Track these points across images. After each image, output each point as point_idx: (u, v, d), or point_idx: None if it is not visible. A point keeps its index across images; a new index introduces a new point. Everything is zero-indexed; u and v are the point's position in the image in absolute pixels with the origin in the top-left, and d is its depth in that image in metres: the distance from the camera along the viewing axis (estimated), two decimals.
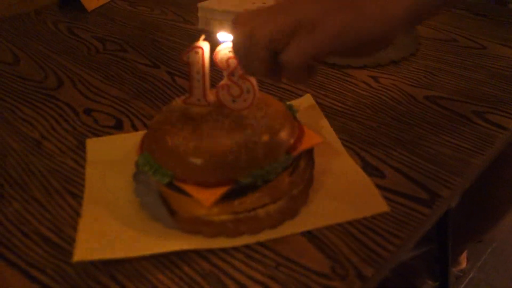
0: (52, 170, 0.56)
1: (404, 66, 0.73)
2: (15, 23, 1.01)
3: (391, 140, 0.56)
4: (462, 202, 1.26)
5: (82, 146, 0.60)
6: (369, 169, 0.52)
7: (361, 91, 0.67)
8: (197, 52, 0.46)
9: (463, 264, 1.34)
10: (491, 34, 0.81)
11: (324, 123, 0.60)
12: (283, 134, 0.46)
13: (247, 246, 0.44)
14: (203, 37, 0.46)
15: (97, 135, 0.62)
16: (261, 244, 0.44)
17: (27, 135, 0.63)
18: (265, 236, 0.45)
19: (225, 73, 0.47)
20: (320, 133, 0.57)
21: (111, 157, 0.56)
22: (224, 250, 0.43)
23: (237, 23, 0.42)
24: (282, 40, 0.39)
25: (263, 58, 0.40)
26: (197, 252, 0.43)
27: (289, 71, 0.40)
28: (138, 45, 0.87)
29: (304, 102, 0.64)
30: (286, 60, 0.39)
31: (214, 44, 0.45)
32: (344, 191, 0.49)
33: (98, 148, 0.59)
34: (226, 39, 0.45)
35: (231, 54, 0.45)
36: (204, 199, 0.43)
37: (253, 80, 0.47)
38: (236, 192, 0.45)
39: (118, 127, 0.63)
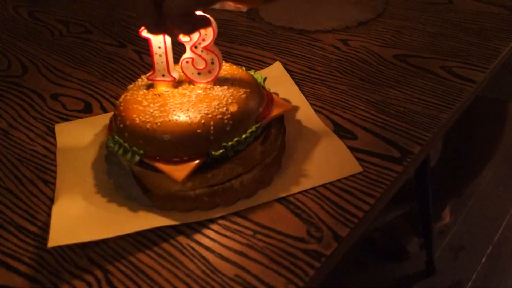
0: (23, 159, 0.55)
1: (372, 26, 0.72)
2: None
3: (362, 102, 0.56)
4: (440, 160, 1.29)
5: (51, 133, 0.58)
6: (341, 132, 0.52)
7: (330, 55, 0.66)
8: None
9: (446, 219, 1.37)
10: None
11: (294, 89, 0.59)
12: (251, 103, 0.46)
13: (223, 218, 0.44)
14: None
15: (66, 120, 0.61)
16: (237, 214, 0.44)
17: None
18: (240, 206, 0.45)
19: (187, 46, 0.46)
20: (291, 100, 0.57)
21: (81, 141, 0.55)
22: (200, 223, 0.44)
23: None
24: None
25: (146, 9, 0.40)
26: (174, 228, 0.43)
27: (171, 20, 0.39)
28: (103, 25, 0.85)
29: (274, 70, 0.64)
30: (166, 7, 0.39)
31: None
32: (317, 155, 0.49)
33: (67, 133, 0.58)
34: None
35: None
36: (176, 174, 0.43)
37: (217, 51, 0.46)
38: (209, 165, 0.44)
39: (87, 110, 0.62)
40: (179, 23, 0.40)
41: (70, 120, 0.61)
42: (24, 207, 0.48)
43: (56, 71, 0.72)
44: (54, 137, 0.57)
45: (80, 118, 0.61)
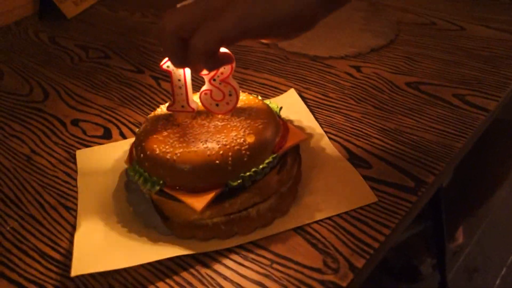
0: (45, 185, 0.56)
1: (385, 53, 0.74)
2: None
3: (376, 130, 0.57)
4: (455, 179, 1.28)
5: (72, 158, 0.60)
6: (356, 160, 0.53)
7: (344, 82, 0.68)
8: None
9: (460, 240, 1.37)
10: (469, 15, 0.82)
11: (309, 117, 0.60)
12: (268, 134, 0.47)
13: (241, 247, 0.45)
14: None
15: (86, 146, 0.62)
16: (254, 243, 0.45)
17: (17, 151, 0.63)
18: (257, 235, 0.46)
19: (206, 79, 0.48)
20: (306, 129, 0.58)
21: (101, 167, 0.57)
22: (219, 252, 0.45)
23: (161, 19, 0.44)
24: (188, 27, 0.40)
25: (172, 44, 0.41)
26: (192, 256, 0.45)
27: (196, 57, 0.40)
28: (121, 51, 0.88)
29: (288, 98, 0.65)
30: (192, 45, 0.40)
31: None
32: (332, 184, 0.50)
33: (88, 159, 0.59)
34: None
35: None
36: (195, 204, 0.44)
37: (235, 83, 0.48)
38: (226, 194, 0.46)
39: (107, 136, 0.64)
40: (204, 60, 0.41)
41: (90, 146, 0.62)
42: (47, 234, 0.50)
43: (76, 96, 0.74)
44: (75, 163, 0.59)
45: (100, 144, 0.62)
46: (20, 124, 0.69)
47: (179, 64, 0.44)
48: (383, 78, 0.67)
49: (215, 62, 0.43)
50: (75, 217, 0.51)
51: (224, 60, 0.44)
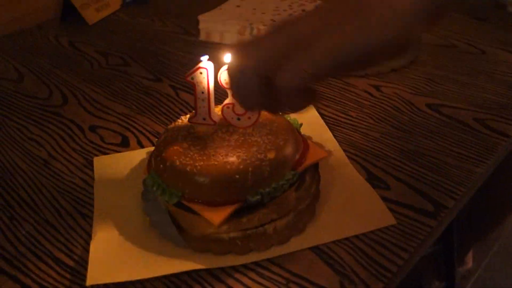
0: (62, 190, 0.56)
1: (405, 73, 0.73)
2: (17, 40, 1.02)
3: (395, 150, 0.57)
4: (466, 202, 1.27)
5: (89, 165, 0.60)
6: (374, 181, 0.52)
7: (363, 101, 0.67)
8: (201, 73, 0.47)
9: (469, 264, 1.35)
10: (491, 38, 0.82)
11: (328, 135, 0.60)
12: (288, 151, 0.47)
13: (256, 263, 0.44)
14: (207, 57, 0.47)
15: (103, 153, 0.63)
16: (270, 260, 0.45)
17: (35, 154, 0.64)
18: (273, 252, 0.45)
19: (229, 92, 0.48)
20: (325, 146, 0.58)
21: (118, 175, 0.57)
22: (234, 268, 0.44)
23: (231, 55, 0.39)
24: (273, 62, 0.35)
25: (254, 86, 0.36)
26: (207, 271, 0.44)
27: (285, 97, 0.36)
28: (141, 59, 0.88)
29: (308, 114, 0.65)
30: (280, 84, 0.35)
31: (216, 61, 0.46)
32: (350, 204, 0.50)
33: (105, 167, 0.59)
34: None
35: None
36: (213, 218, 0.44)
37: None
38: (244, 209, 0.45)
39: (124, 144, 0.64)
40: (292, 102, 0.36)
41: (108, 153, 0.62)
42: (62, 240, 0.50)
43: (94, 103, 0.75)
44: (92, 170, 0.59)
45: (117, 151, 0.63)
46: (38, 127, 0.70)
47: (257, 106, 0.39)
48: (403, 99, 0.67)
49: (304, 100, 0.37)
50: (91, 225, 0.51)
51: (311, 98, 0.39)
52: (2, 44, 1.01)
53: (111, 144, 0.64)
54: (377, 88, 0.70)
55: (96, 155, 0.62)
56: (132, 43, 0.95)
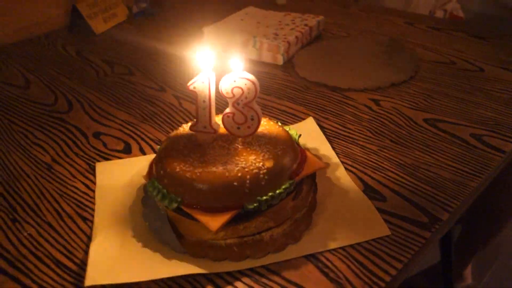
0: (64, 194, 0.58)
1: (404, 89, 0.75)
2: (26, 47, 1.04)
3: (392, 163, 0.58)
4: (462, 215, 1.27)
5: (92, 170, 0.61)
6: (371, 192, 0.53)
7: (362, 114, 0.69)
8: (203, 82, 0.48)
9: (468, 280, 1.34)
10: (489, 57, 0.83)
11: (326, 146, 0.61)
12: (286, 160, 0.48)
13: (252, 270, 0.45)
14: (210, 67, 0.48)
15: (106, 159, 0.64)
16: (266, 267, 0.45)
17: (39, 159, 0.65)
18: (269, 259, 0.46)
19: (230, 102, 0.49)
20: (323, 157, 0.59)
21: (120, 181, 0.58)
22: (230, 274, 0.45)
23: None
24: None
25: None
26: (204, 276, 0.45)
27: None
28: (145, 69, 0.90)
29: (307, 126, 0.66)
30: None
31: (219, 71, 0.47)
32: (347, 214, 0.51)
33: (107, 172, 0.60)
34: (234, 67, 0.47)
35: (236, 84, 0.47)
36: (211, 224, 0.45)
37: (258, 108, 0.49)
38: (242, 217, 0.46)
39: (127, 151, 0.65)
40: None
41: (110, 159, 0.64)
42: (62, 242, 0.50)
43: (99, 110, 0.76)
44: (94, 175, 0.60)
45: (120, 158, 0.64)
46: (43, 133, 0.71)
47: None
48: (402, 113, 0.68)
49: None
50: (91, 228, 0.52)
51: None
52: (11, 51, 1.03)
53: (114, 150, 0.66)
54: (376, 102, 0.72)
55: (99, 161, 0.63)
56: (138, 53, 0.97)
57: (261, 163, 0.47)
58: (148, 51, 0.98)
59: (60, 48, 1.03)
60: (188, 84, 0.48)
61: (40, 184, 0.60)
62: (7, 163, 0.64)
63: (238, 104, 0.49)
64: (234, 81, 0.48)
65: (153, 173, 0.51)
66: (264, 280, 0.44)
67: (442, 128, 0.64)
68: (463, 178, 0.55)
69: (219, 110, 0.50)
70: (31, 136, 0.71)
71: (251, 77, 0.47)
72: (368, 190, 0.54)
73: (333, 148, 0.61)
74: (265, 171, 0.46)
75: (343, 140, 0.63)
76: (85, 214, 0.54)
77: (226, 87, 0.48)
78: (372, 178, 0.56)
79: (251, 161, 0.47)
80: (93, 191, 0.57)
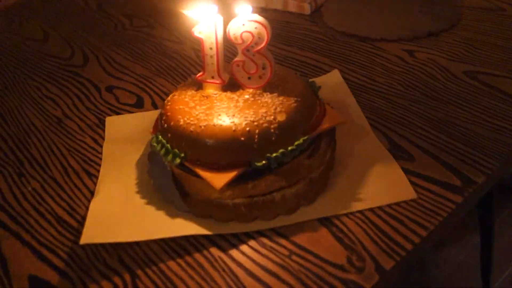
0: (72, 149, 0.55)
1: (443, 38, 0.67)
2: (47, 2, 1.02)
3: (423, 119, 0.52)
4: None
5: (102, 125, 0.59)
6: (397, 151, 0.48)
7: (393, 66, 0.62)
8: (209, 26, 0.43)
9: None
10: None
11: (351, 100, 0.56)
12: (301, 114, 0.43)
13: (260, 233, 0.42)
14: (215, 9, 0.43)
15: (117, 113, 0.61)
16: (275, 230, 0.42)
17: (50, 113, 0.63)
18: (279, 222, 0.42)
19: (239, 49, 0.44)
20: (346, 112, 0.54)
21: (129, 136, 0.55)
22: (236, 236, 0.42)
23: None
24: None
25: None
26: (208, 237, 0.42)
27: None
28: (166, 21, 0.85)
29: (331, 79, 0.60)
30: None
31: (228, 16, 0.42)
32: (368, 175, 0.46)
33: (117, 126, 0.58)
34: (241, 12, 0.42)
35: (245, 28, 0.42)
36: (215, 182, 0.41)
37: (270, 56, 0.44)
38: (250, 175, 0.42)
39: (139, 105, 0.62)
40: None
41: (121, 113, 0.61)
42: (66, 198, 0.48)
43: (114, 64, 0.73)
44: (104, 130, 0.58)
45: (131, 112, 0.61)
46: (56, 86, 0.69)
47: None
48: (439, 65, 0.61)
49: None
50: (96, 185, 0.49)
51: None
52: (33, 6, 1.01)
53: (126, 104, 0.63)
54: (410, 53, 0.65)
55: (110, 115, 0.60)
56: (160, 6, 0.93)
57: (272, 117, 0.42)
58: (169, 3, 0.93)
59: (81, 2, 1.00)
60: (193, 29, 0.44)
61: (49, 139, 0.58)
62: (18, 117, 0.63)
63: (248, 51, 0.44)
64: (243, 24, 0.43)
65: (158, 127, 0.48)
66: (271, 243, 0.40)
67: (484, 81, 0.57)
68: (504, 136, 0.48)
69: (228, 60, 0.45)
70: (44, 90, 0.69)
71: (262, 19, 0.42)
72: (394, 148, 0.48)
73: (358, 102, 0.55)
74: (276, 125, 0.42)
75: (369, 94, 0.57)
76: (91, 170, 0.52)
77: (235, 31, 0.43)
78: (400, 135, 0.50)
79: (261, 115, 0.42)
80: (101, 146, 0.55)
